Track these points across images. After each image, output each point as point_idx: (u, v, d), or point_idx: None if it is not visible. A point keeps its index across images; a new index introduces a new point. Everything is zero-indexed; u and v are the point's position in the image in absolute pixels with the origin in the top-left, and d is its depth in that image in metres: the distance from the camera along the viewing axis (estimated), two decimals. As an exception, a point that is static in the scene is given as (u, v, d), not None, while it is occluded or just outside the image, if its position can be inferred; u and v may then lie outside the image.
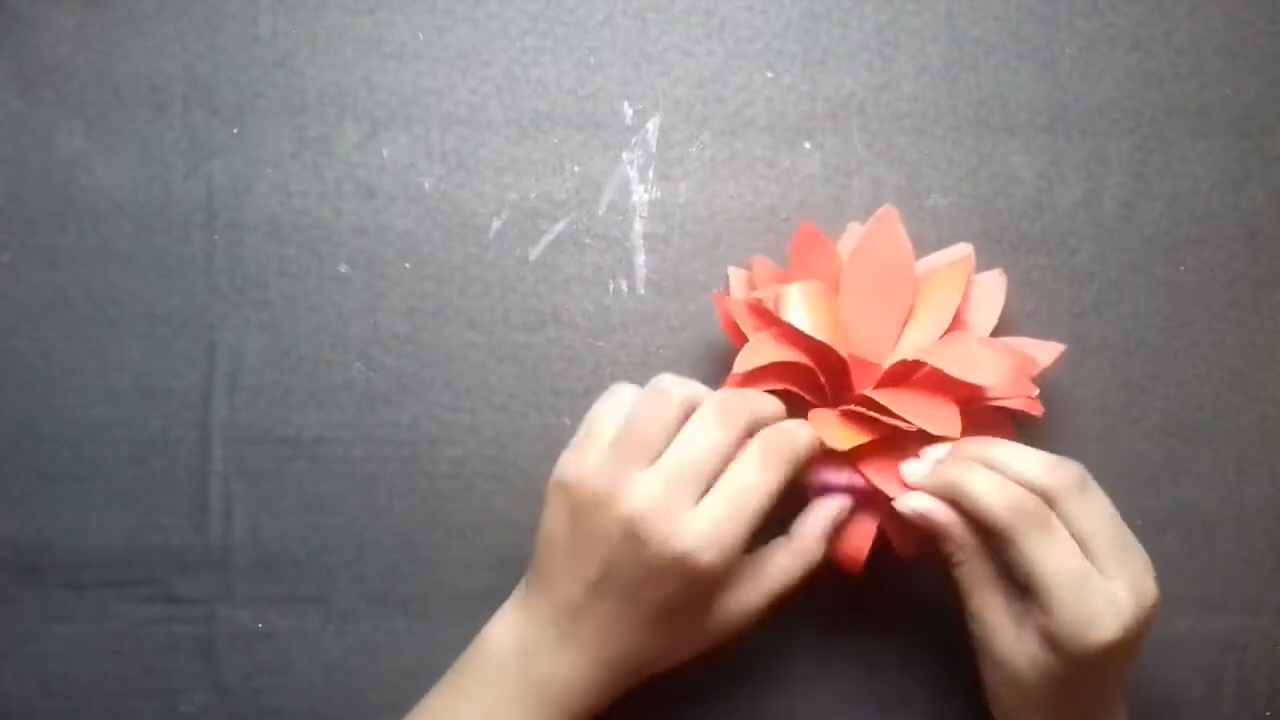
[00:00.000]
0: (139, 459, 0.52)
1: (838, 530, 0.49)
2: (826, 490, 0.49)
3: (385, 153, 0.54)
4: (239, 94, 0.54)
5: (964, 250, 0.52)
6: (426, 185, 0.54)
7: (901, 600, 0.53)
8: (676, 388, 0.46)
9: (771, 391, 0.48)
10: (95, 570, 0.52)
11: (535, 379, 0.53)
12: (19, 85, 0.53)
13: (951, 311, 0.50)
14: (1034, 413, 0.49)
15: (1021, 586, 0.46)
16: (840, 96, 0.55)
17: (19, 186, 0.53)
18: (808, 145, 0.55)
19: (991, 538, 0.46)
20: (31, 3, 0.53)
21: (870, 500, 0.49)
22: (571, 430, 0.47)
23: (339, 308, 0.53)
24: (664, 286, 0.54)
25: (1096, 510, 0.45)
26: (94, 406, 0.52)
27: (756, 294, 0.50)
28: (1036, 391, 0.49)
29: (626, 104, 0.54)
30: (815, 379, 0.49)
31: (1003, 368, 0.48)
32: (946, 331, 0.50)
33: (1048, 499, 0.45)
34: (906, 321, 0.51)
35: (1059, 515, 0.45)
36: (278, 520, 0.52)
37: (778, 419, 0.48)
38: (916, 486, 0.47)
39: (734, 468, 0.45)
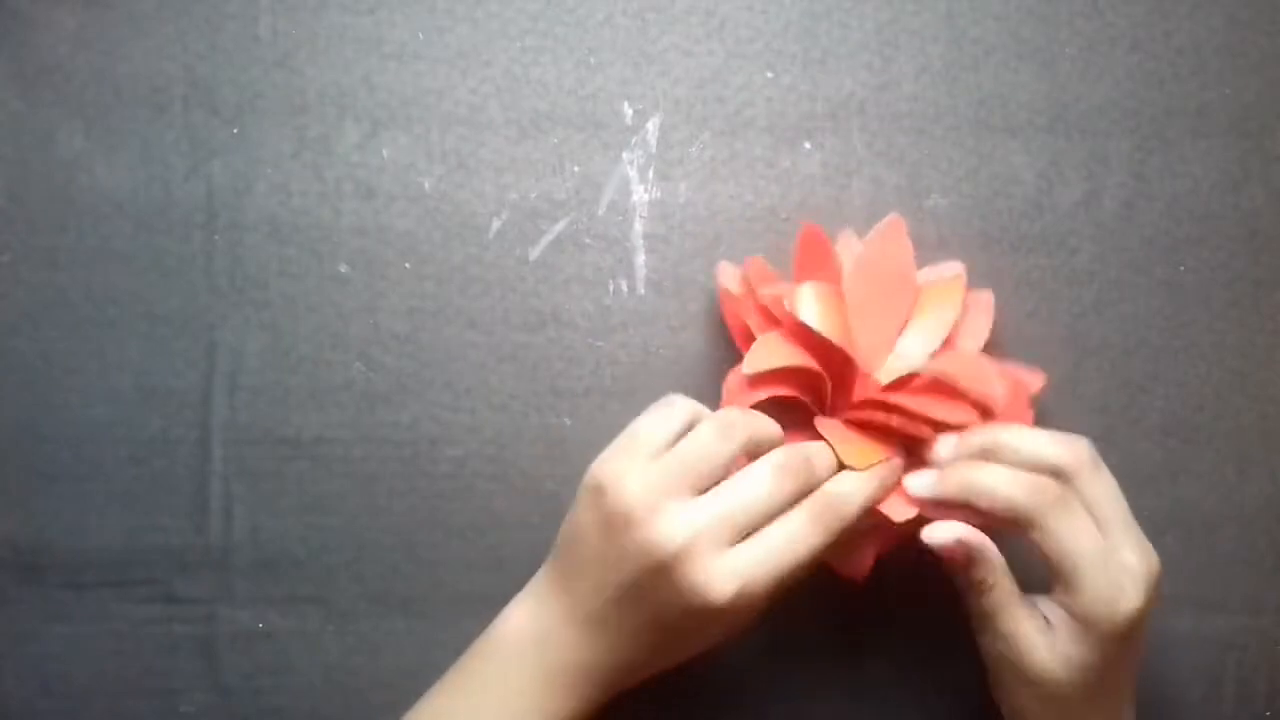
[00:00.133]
0: (139, 459, 0.52)
1: (839, 542, 0.49)
2: None
3: (385, 153, 0.54)
4: (239, 94, 0.54)
5: (956, 269, 0.52)
6: (426, 185, 0.54)
7: (898, 601, 0.53)
8: (741, 429, 0.46)
9: (772, 397, 0.48)
10: (95, 570, 0.52)
11: (535, 379, 0.53)
12: (19, 85, 0.53)
13: (948, 326, 0.50)
14: None
15: (1045, 585, 0.45)
16: (840, 96, 0.55)
17: (19, 186, 0.53)
18: (808, 145, 0.55)
19: (1013, 528, 0.45)
20: (31, 3, 0.53)
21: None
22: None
23: (339, 308, 0.53)
24: (664, 286, 0.54)
25: (1107, 483, 0.46)
26: (94, 406, 0.52)
27: (766, 291, 0.50)
28: (1033, 417, 0.50)
29: (626, 104, 0.54)
30: (819, 383, 0.49)
31: (1005, 386, 0.49)
32: (939, 350, 0.50)
33: (1063, 477, 0.45)
34: (899, 332, 0.51)
35: (1074, 492, 0.45)
36: (278, 520, 0.52)
37: (832, 480, 0.47)
38: (926, 496, 0.47)
39: (781, 525, 0.45)
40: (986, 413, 0.48)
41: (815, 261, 0.50)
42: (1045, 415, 0.53)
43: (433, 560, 0.53)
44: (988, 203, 0.55)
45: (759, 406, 0.48)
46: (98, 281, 0.53)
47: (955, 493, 0.46)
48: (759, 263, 0.51)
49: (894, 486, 0.48)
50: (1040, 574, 0.46)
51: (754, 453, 0.46)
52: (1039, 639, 0.46)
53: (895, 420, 0.47)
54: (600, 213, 0.54)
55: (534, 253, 0.54)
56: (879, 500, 0.47)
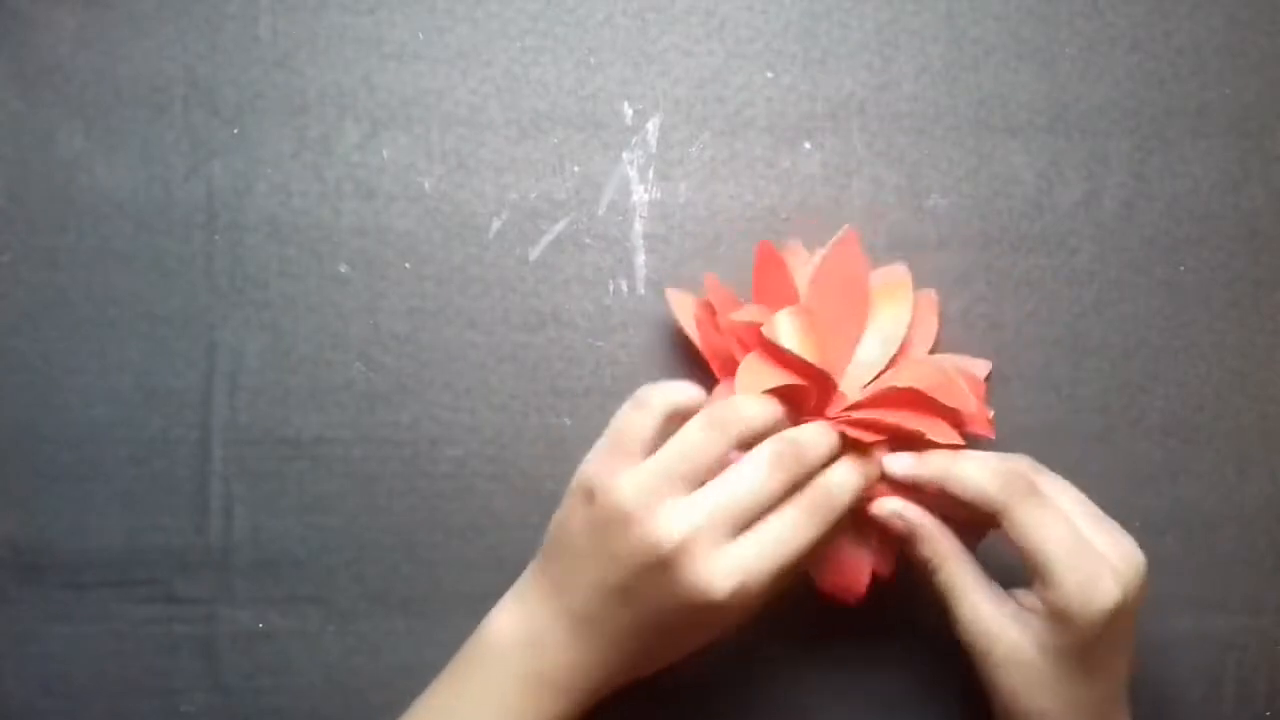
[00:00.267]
0: (139, 459, 0.52)
1: (829, 562, 0.49)
2: None
3: (385, 153, 0.54)
4: (239, 94, 0.54)
5: (901, 273, 0.52)
6: (426, 185, 0.54)
7: (899, 606, 0.53)
8: (734, 424, 0.46)
9: None
10: (95, 570, 0.52)
11: (535, 379, 0.53)
12: (19, 85, 0.53)
13: (902, 334, 0.51)
14: (989, 435, 0.50)
15: (1003, 585, 0.46)
16: (840, 96, 0.55)
17: (19, 186, 0.53)
18: (808, 145, 0.55)
19: (987, 520, 0.46)
20: (31, 3, 0.53)
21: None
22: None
23: (339, 308, 0.53)
24: (664, 286, 0.54)
25: (1064, 488, 0.47)
26: (94, 406, 0.52)
27: (737, 317, 0.49)
28: (991, 414, 0.50)
29: (626, 104, 0.54)
30: (803, 398, 0.49)
31: (970, 394, 0.49)
32: (898, 354, 0.51)
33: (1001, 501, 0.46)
34: (858, 340, 0.51)
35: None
36: (278, 520, 0.52)
37: (830, 467, 0.47)
38: (903, 474, 0.47)
39: (777, 518, 0.45)
40: (957, 420, 0.49)
41: (772, 280, 0.50)
42: (1045, 415, 0.54)
43: (433, 560, 0.53)
44: (988, 203, 0.55)
45: None
46: (98, 281, 0.53)
47: (932, 475, 0.47)
48: (714, 279, 0.51)
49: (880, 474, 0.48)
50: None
51: (748, 443, 0.46)
52: (1005, 621, 0.46)
53: (867, 435, 0.48)
54: (600, 213, 0.54)
55: (534, 253, 0.54)
56: (870, 488, 0.48)
